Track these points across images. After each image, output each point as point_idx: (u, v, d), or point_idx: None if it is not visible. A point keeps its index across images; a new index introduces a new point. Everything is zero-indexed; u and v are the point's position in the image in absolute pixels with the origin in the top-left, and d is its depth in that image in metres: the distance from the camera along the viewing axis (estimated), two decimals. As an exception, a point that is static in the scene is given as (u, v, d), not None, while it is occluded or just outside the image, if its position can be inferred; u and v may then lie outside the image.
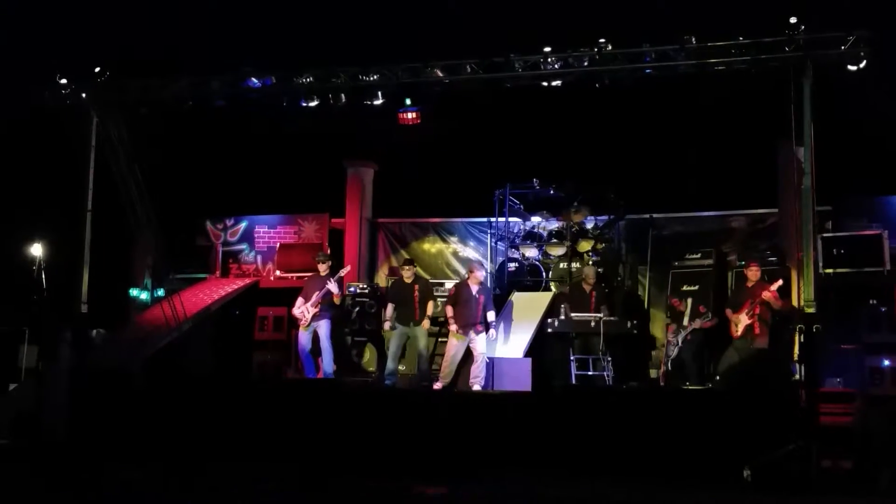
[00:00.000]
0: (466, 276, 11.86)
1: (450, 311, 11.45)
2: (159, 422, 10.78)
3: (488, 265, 14.90)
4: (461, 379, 11.43)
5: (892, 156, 13.07)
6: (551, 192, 14.02)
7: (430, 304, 11.78)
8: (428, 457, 9.82)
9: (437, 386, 11.29)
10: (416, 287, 11.84)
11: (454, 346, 11.40)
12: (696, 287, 12.26)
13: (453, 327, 11.34)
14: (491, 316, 11.45)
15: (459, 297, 11.47)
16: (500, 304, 12.59)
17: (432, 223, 15.76)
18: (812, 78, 10.20)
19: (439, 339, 12.57)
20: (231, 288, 14.48)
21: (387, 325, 12.01)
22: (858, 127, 13.19)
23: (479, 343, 11.29)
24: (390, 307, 12.00)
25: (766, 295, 10.88)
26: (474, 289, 11.45)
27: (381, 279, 15.24)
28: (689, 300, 11.95)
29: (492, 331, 11.45)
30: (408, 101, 12.16)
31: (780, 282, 11.07)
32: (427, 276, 13.87)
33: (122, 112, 12.78)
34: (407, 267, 12.10)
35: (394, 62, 11.96)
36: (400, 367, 11.88)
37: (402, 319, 11.81)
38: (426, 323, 11.70)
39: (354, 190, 15.53)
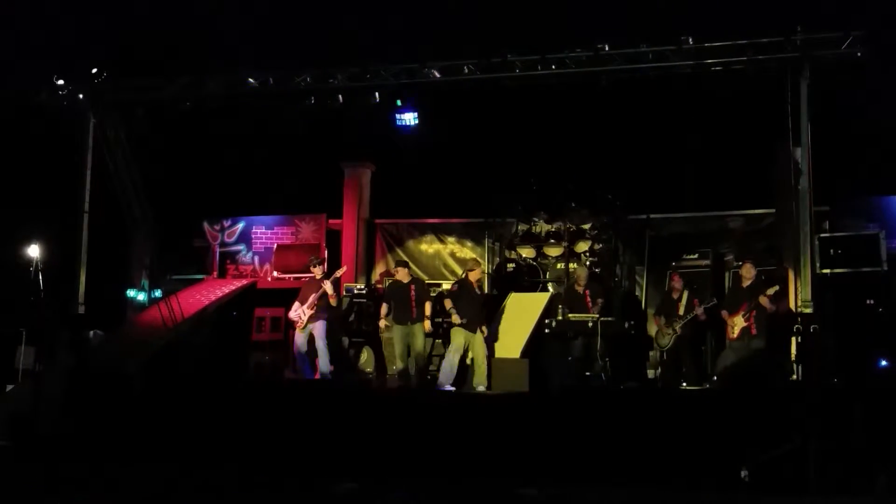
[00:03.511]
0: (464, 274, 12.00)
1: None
2: (156, 423, 10.75)
3: (486, 266, 14.90)
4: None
5: (889, 156, 13.10)
6: (548, 192, 14.00)
7: (428, 305, 11.84)
8: (422, 457, 9.77)
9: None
10: (413, 287, 11.89)
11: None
12: (694, 287, 12.27)
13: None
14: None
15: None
16: (497, 304, 12.60)
17: (430, 224, 15.72)
18: (809, 78, 10.21)
19: (436, 340, 12.60)
20: (228, 289, 14.43)
21: (382, 324, 12.06)
22: (856, 127, 13.21)
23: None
24: (385, 306, 12.06)
25: (762, 300, 10.92)
26: None
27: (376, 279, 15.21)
28: (686, 292, 11.94)
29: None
30: (398, 102, 12.15)
31: (777, 287, 11.08)
32: (425, 278, 13.90)
33: (120, 113, 12.78)
34: (401, 268, 12.17)
35: (391, 63, 11.95)
36: (395, 367, 11.88)
37: (399, 319, 11.86)
38: (427, 324, 11.77)
39: (352, 191, 15.53)
